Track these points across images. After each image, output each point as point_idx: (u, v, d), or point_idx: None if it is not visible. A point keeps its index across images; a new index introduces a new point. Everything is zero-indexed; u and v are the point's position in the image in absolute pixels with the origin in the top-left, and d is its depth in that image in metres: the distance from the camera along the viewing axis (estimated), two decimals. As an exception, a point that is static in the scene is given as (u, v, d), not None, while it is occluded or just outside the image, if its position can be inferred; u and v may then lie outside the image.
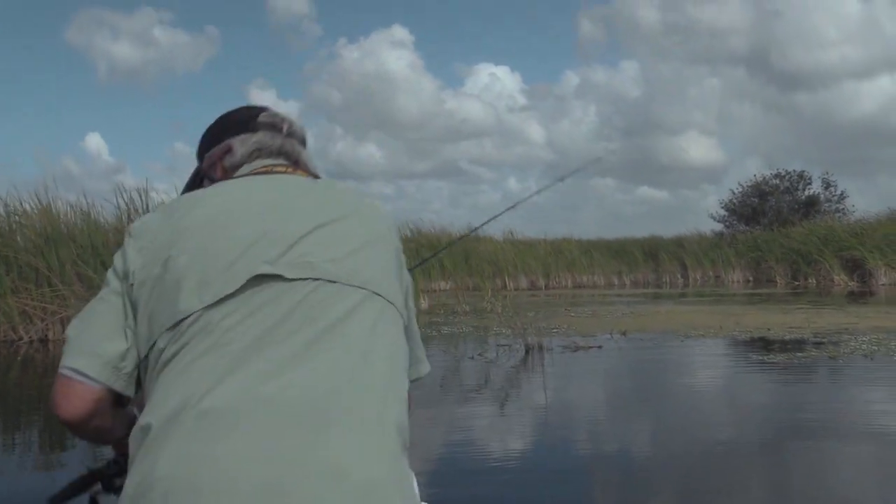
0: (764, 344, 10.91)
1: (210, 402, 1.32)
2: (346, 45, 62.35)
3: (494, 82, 63.64)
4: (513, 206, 2.49)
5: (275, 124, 1.81)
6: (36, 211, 14.03)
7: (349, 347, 1.43)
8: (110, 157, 51.69)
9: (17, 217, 14.03)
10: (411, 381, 1.60)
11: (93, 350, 1.49)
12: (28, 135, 51.85)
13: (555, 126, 67.65)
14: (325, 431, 1.31)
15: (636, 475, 4.84)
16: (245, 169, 1.73)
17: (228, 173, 1.74)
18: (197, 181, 1.83)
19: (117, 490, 1.74)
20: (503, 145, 66.43)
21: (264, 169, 1.72)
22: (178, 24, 61.38)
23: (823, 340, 10.74)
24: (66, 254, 12.81)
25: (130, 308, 1.50)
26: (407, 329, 1.62)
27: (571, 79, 68.02)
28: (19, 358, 10.79)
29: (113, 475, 1.78)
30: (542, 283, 30.15)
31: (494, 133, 64.40)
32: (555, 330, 12.64)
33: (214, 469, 1.25)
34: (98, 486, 1.80)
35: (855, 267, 30.27)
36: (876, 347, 9.89)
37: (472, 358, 9.86)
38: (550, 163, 65.36)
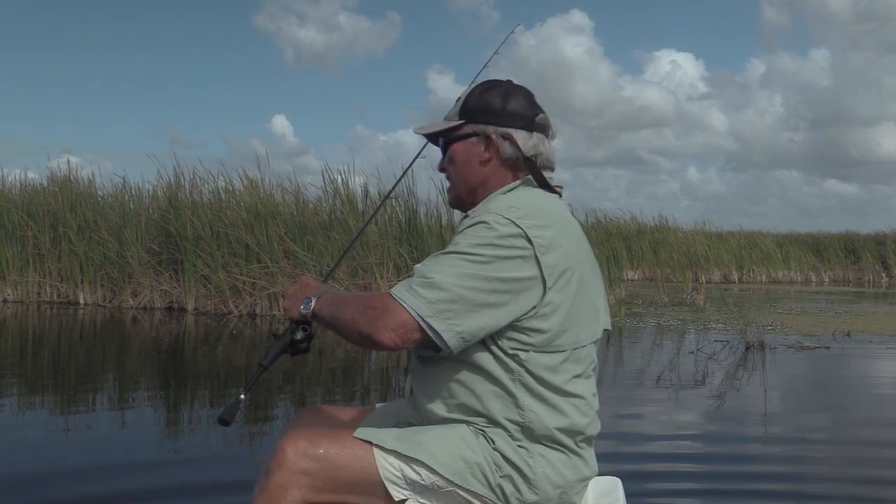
0: None
1: (590, 433, 1.97)
2: (524, 32, 61.58)
3: (675, 69, 61.31)
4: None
5: (547, 129, 2.01)
6: (244, 188, 14.34)
7: None
8: (295, 138, 53.40)
9: (226, 195, 14.36)
10: None
11: (464, 336, 1.75)
12: (218, 117, 54.53)
13: (738, 115, 64.63)
14: None
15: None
16: (526, 172, 1.98)
17: (505, 165, 1.96)
18: (491, 151, 1.98)
19: (301, 350, 2.02)
20: (683, 134, 64.16)
21: (557, 188, 1.99)
22: (361, 11, 62.63)
23: None
24: (274, 230, 13.06)
25: (518, 309, 1.78)
26: None
27: (756, 67, 64.65)
28: (228, 331, 11.04)
29: (301, 341, 2.02)
30: (735, 276, 28.71)
31: (674, 121, 62.24)
32: (769, 327, 11.82)
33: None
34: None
35: None
36: None
37: (692, 353, 9.30)
38: (733, 153, 62.61)
